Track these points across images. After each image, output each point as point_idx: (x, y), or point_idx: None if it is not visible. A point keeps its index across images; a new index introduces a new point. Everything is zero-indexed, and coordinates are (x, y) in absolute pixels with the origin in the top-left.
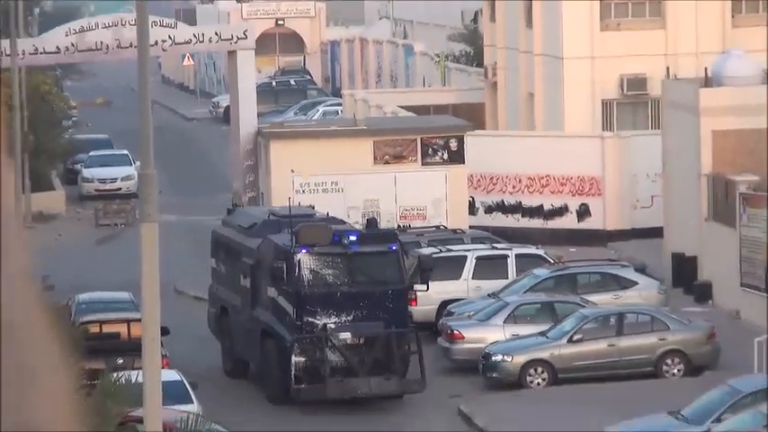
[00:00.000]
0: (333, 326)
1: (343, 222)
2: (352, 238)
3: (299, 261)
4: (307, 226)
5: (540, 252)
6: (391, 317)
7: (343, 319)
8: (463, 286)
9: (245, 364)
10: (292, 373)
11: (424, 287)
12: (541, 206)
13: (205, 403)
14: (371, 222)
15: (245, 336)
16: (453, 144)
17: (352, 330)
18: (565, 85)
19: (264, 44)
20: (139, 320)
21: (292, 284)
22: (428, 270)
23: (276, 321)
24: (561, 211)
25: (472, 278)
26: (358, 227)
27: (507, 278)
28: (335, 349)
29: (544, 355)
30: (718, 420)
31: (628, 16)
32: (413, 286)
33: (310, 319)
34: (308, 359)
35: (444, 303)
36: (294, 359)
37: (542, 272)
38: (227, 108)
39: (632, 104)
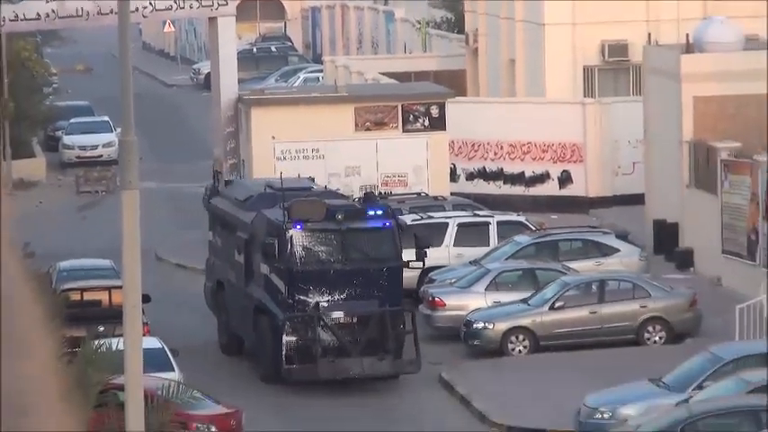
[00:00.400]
0: (325, 304)
1: (342, 197)
2: (347, 213)
3: (292, 237)
4: (300, 201)
5: (522, 219)
6: (385, 295)
7: (336, 297)
8: (445, 253)
9: (241, 340)
10: (283, 352)
11: (420, 264)
12: (523, 173)
13: (186, 371)
14: (369, 197)
15: (239, 312)
16: (434, 111)
17: (344, 309)
18: (546, 51)
19: (245, 10)
20: (120, 288)
21: (284, 261)
22: (424, 247)
23: (269, 299)
24: (543, 177)
25: (454, 245)
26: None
27: (489, 245)
28: (328, 328)
29: (526, 322)
30: (700, 387)
31: None
32: (408, 264)
33: (302, 298)
34: (299, 338)
35: (426, 270)
36: (285, 338)
37: (524, 239)
38: (208, 75)
39: (613, 71)
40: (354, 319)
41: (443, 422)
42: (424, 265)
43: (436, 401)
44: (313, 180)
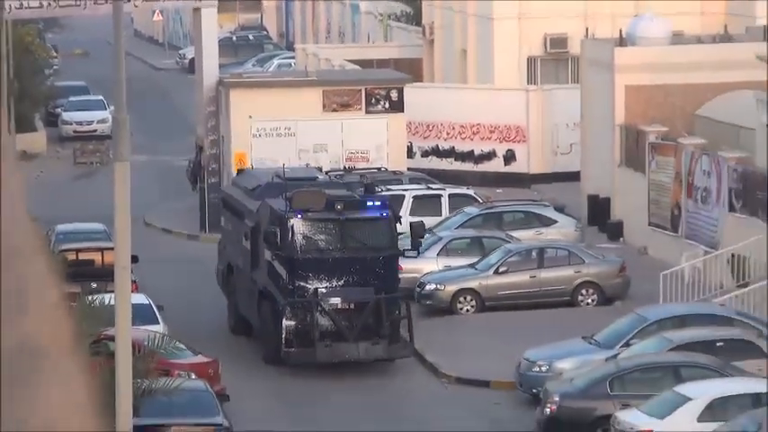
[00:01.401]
0: (324, 291)
1: (344, 187)
2: (346, 203)
3: (293, 226)
4: (301, 191)
5: (471, 192)
6: (381, 283)
7: (335, 284)
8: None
9: (249, 322)
10: (283, 336)
11: (415, 253)
12: (472, 151)
13: (170, 323)
14: (369, 188)
15: (246, 295)
16: (394, 95)
17: (342, 296)
18: (494, 42)
19: (225, 2)
20: (112, 249)
21: (285, 249)
22: (419, 237)
23: (271, 284)
24: (490, 155)
25: (409, 215)
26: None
27: (441, 215)
28: (326, 314)
29: (473, 284)
30: (627, 345)
31: None
32: (404, 253)
33: (302, 284)
34: (298, 323)
35: None
36: (285, 323)
37: (472, 210)
38: (192, 59)
39: (554, 61)
40: (351, 305)
41: (398, 373)
42: (418, 253)
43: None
44: (321, 170)
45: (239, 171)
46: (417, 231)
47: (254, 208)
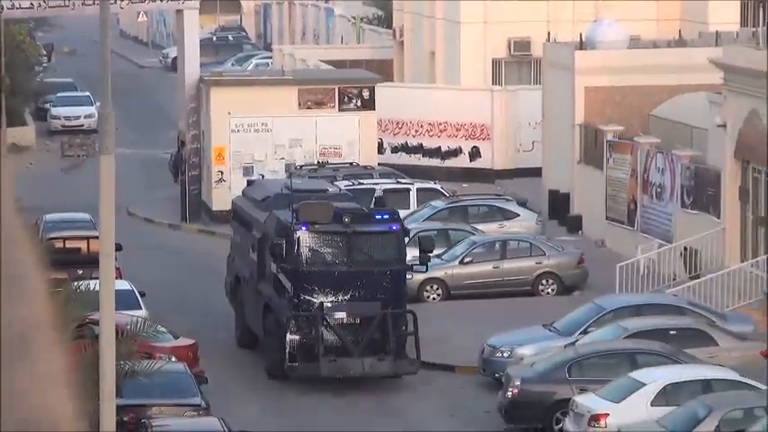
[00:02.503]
0: (329, 305)
1: (354, 199)
2: (354, 216)
3: (299, 239)
4: (308, 204)
5: (438, 187)
6: (388, 297)
7: (341, 298)
8: None
9: (255, 334)
10: (287, 350)
11: (423, 269)
12: (439, 148)
13: (150, 308)
14: (379, 202)
15: (252, 307)
16: (366, 93)
17: (347, 310)
18: (461, 45)
19: (207, 4)
20: (97, 238)
21: (291, 262)
22: (428, 251)
23: (276, 297)
24: (456, 152)
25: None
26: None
27: (409, 208)
28: (330, 328)
29: (439, 274)
30: (585, 332)
31: None
32: (412, 267)
33: (307, 297)
34: (302, 337)
35: None
36: (289, 337)
37: (439, 203)
38: (175, 58)
39: (518, 63)
40: (357, 320)
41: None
42: (426, 269)
43: None
44: (332, 182)
45: (249, 182)
46: (426, 245)
47: (262, 219)
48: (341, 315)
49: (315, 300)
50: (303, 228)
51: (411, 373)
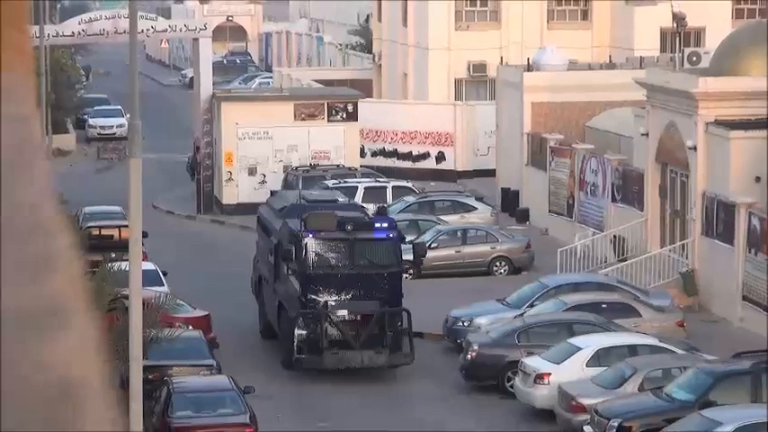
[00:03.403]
0: (333, 303)
1: (360, 208)
2: (356, 224)
3: (306, 244)
4: (315, 213)
5: (409, 185)
6: (386, 296)
7: (343, 297)
8: None
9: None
10: (295, 344)
11: (417, 272)
12: (411, 152)
13: (172, 284)
14: (381, 211)
15: (270, 305)
16: (350, 107)
17: (349, 308)
18: (429, 67)
19: (218, 33)
20: (127, 226)
21: (299, 265)
22: (421, 256)
23: (288, 296)
24: (425, 156)
25: (361, 202)
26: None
27: (386, 203)
28: (334, 324)
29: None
30: (531, 306)
31: (474, 20)
32: (408, 270)
33: (313, 297)
34: (309, 332)
35: None
36: (297, 332)
37: (410, 199)
38: (192, 78)
39: (476, 82)
40: (357, 317)
41: None
42: (420, 272)
43: None
44: (347, 197)
45: (272, 192)
46: (419, 251)
47: (278, 227)
48: (343, 312)
49: (320, 299)
50: (310, 235)
51: (405, 364)
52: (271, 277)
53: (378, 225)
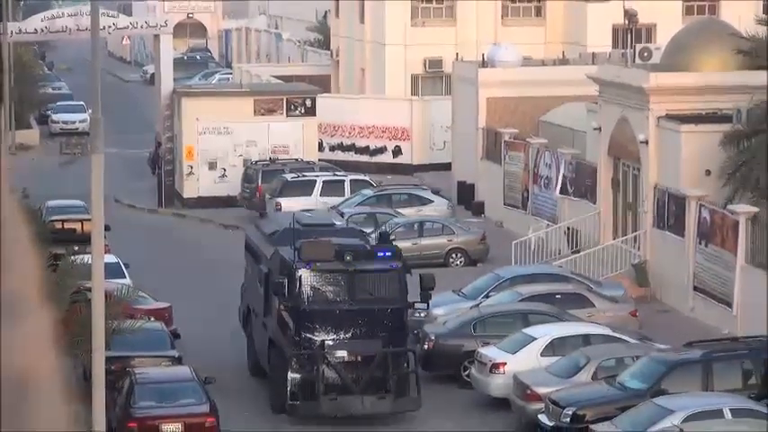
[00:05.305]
0: (331, 343)
1: (360, 234)
2: (356, 254)
3: (300, 277)
4: (310, 242)
5: (367, 178)
6: (390, 335)
7: (342, 336)
8: (313, 201)
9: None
10: (288, 388)
11: (425, 306)
12: (368, 146)
13: (134, 277)
14: (384, 237)
15: (260, 340)
16: (308, 103)
17: (348, 348)
18: (386, 63)
19: (179, 30)
20: (89, 220)
21: (293, 299)
22: (429, 289)
23: (280, 333)
24: (382, 150)
25: (320, 195)
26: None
27: (344, 196)
28: (331, 367)
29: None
30: (487, 296)
31: (430, 17)
32: (413, 305)
33: (309, 336)
34: (304, 375)
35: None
36: (290, 375)
37: (368, 192)
38: (153, 74)
39: (432, 78)
40: (358, 359)
41: None
42: (428, 306)
43: None
44: (342, 215)
45: (261, 214)
46: (427, 283)
47: (269, 254)
48: (342, 353)
49: (316, 338)
50: (305, 266)
51: (412, 411)
52: (260, 310)
53: (380, 255)
